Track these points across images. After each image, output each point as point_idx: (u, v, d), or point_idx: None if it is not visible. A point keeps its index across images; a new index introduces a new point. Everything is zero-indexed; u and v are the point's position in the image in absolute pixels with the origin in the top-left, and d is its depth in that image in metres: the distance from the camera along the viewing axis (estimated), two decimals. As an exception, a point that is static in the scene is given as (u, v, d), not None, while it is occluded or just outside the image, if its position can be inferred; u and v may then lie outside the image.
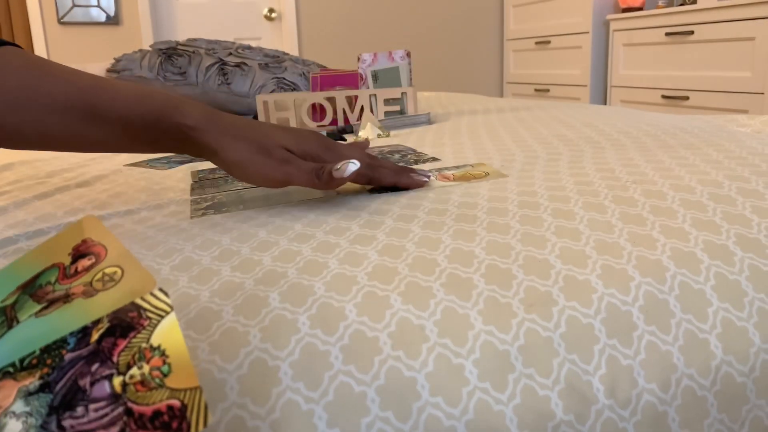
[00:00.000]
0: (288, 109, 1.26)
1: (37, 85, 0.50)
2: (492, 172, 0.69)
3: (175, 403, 0.23)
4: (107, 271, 0.28)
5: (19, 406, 0.23)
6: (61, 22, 3.23)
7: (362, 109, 1.26)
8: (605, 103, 3.34)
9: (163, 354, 0.24)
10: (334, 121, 1.29)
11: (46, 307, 0.27)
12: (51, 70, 0.52)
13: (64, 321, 0.26)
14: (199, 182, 0.75)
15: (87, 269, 0.29)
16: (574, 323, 0.39)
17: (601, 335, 0.39)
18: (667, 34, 2.78)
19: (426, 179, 0.62)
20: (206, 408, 0.23)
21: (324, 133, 1.00)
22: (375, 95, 1.27)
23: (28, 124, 0.51)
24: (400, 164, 0.69)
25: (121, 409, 0.23)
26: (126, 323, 0.25)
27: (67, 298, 0.27)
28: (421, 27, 3.85)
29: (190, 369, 0.24)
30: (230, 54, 1.57)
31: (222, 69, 1.51)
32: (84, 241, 0.31)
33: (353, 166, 0.51)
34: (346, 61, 3.77)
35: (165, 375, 0.24)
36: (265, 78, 1.53)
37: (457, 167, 0.73)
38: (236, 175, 0.53)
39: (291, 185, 0.54)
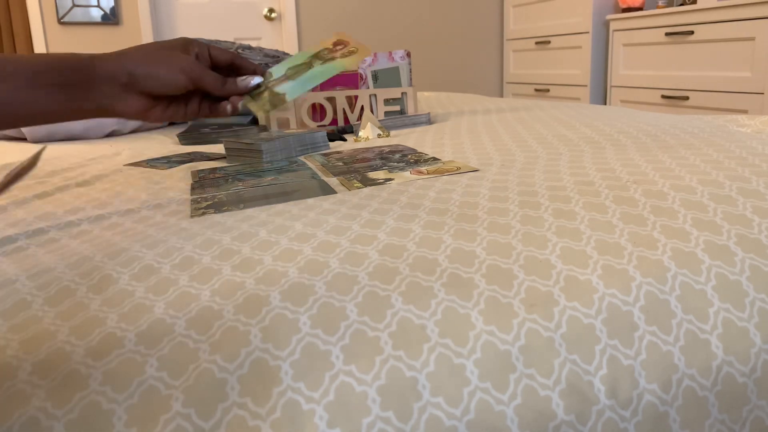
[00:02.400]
0: (288, 109, 1.26)
1: None
2: (462, 166, 0.73)
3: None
4: (351, 49, 0.67)
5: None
6: (61, 21, 3.22)
7: (362, 109, 1.26)
8: (605, 103, 3.34)
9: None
10: (334, 121, 1.29)
11: (324, 62, 0.65)
12: None
13: (335, 66, 0.64)
14: (199, 182, 0.75)
15: (342, 47, 0.67)
16: (575, 323, 0.39)
17: (602, 335, 0.39)
18: (667, 34, 2.78)
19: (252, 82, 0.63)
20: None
21: (324, 133, 1.00)
22: (375, 95, 1.27)
23: None
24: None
25: None
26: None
27: (334, 59, 0.66)
28: (421, 27, 3.85)
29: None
30: (230, 54, 1.57)
31: (222, 69, 1.51)
32: (339, 39, 0.69)
33: (258, 79, 0.62)
34: (346, 61, 3.77)
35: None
36: (265, 78, 1.52)
37: (426, 161, 0.78)
38: (159, 77, 0.55)
39: (199, 85, 0.58)
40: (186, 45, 0.59)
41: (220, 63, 0.62)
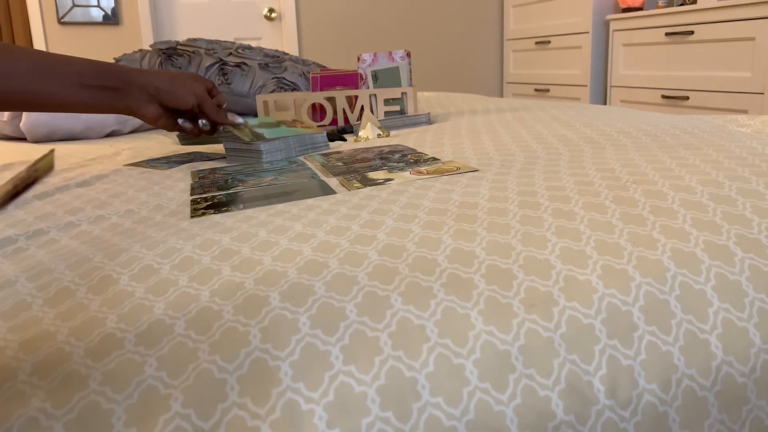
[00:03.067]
0: (288, 109, 1.26)
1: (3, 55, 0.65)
2: (462, 166, 0.73)
3: None
4: (306, 125, 1.00)
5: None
6: (61, 21, 3.23)
7: (362, 109, 1.26)
8: (605, 103, 3.34)
9: None
10: (334, 121, 1.29)
11: (288, 126, 0.96)
12: (12, 46, 0.67)
13: (298, 130, 0.95)
14: (199, 182, 0.75)
15: (300, 124, 0.99)
16: (575, 323, 0.39)
17: (602, 335, 0.39)
18: (667, 34, 2.78)
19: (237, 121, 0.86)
20: None
21: (324, 133, 1.00)
22: (375, 95, 1.27)
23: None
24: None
25: None
26: None
27: (296, 127, 0.96)
28: (421, 27, 3.85)
29: None
30: (230, 54, 1.57)
31: (222, 69, 1.51)
32: (295, 120, 1.01)
33: (240, 119, 0.85)
34: (346, 61, 3.77)
35: None
36: (265, 78, 1.53)
37: (425, 161, 0.77)
38: (176, 95, 0.75)
39: (201, 108, 0.79)
40: (199, 78, 0.81)
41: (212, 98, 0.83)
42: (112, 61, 1.76)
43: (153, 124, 0.76)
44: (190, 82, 0.76)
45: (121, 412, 0.33)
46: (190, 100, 0.75)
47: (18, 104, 0.66)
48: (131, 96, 0.71)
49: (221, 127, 0.84)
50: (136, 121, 1.49)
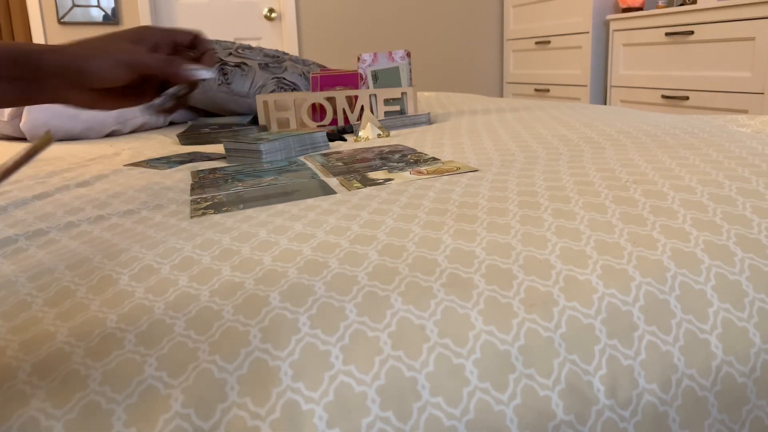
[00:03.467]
0: (288, 109, 1.26)
1: None
2: (462, 166, 0.73)
3: None
4: None
5: None
6: (61, 22, 3.23)
7: (362, 109, 1.26)
8: (605, 103, 3.34)
9: None
10: (334, 121, 1.29)
11: None
12: None
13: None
14: (199, 182, 0.75)
15: None
16: (575, 323, 0.39)
17: (602, 335, 0.39)
18: (667, 34, 2.78)
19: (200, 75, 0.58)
20: None
21: (324, 133, 1.00)
22: (375, 95, 1.27)
23: None
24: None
25: None
26: None
27: None
28: (421, 27, 3.85)
29: None
30: (230, 54, 1.57)
31: (222, 69, 1.51)
32: None
33: (206, 73, 0.56)
34: (346, 61, 3.77)
35: None
36: (265, 78, 1.53)
37: (425, 161, 0.77)
38: (93, 73, 0.53)
39: (144, 71, 0.54)
40: (139, 34, 0.57)
41: (183, 45, 0.60)
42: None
43: (97, 109, 0.58)
44: (111, 48, 0.55)
45: (122, 412, 0.33)
46: (116, 74, 0.53)
47: None
48: (47, 85, 0.55)
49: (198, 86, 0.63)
50: (136, 121, 1.49)
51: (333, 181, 0.71)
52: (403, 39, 3.86)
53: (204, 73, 0.56)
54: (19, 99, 0.55)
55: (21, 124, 1.30)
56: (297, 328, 0.37)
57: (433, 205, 0.56)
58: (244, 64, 1.53)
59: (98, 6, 3.30)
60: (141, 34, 0.57)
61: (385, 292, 0.40)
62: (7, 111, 1.36)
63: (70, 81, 0.54)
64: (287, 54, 1.68)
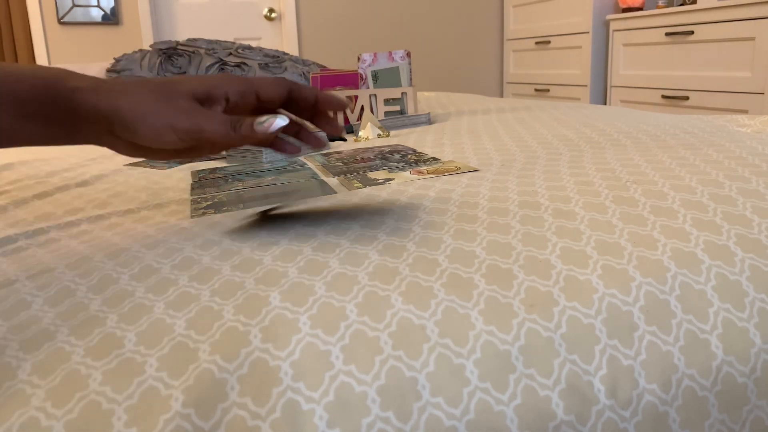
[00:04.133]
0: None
1: None
2: (462, 166, 0.73)
3: None
4: None
5: None
6: (61, 22, 3.23)
7: (362, 109, 1.26)
8: (605, 103, 3.34)
9: None
10: (334, 121, 1.28)
11: None
12: None
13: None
14: (199, 182, 0.75)
15: None
16: (575, 323, 0.39)
17: (602, 335, 0.39)
18: (667, 34, 2.78)
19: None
20: None
21: (324, 133, 1.00)
22: (375, 95, 1.27)
23: None
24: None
25: None
26: None
27: None
28: (421, 27, 3.85)
29: None
30: (230, 54, 1.57)
31: (222, 69, 1.51)
32: None
33: (281, 121, 0.44)
34: (346, 61, 3.77)
35: None
36: (265, 78, 1.53)
37: (426, 161, 0.77)
38: (139, 133, 0.43)
39: (202, 138, 0.44)
40: (208, 89, 0.46)
41: (276, 101, 0.49)
42: (113, 61, 1.75)
43: (144, 158, 0.48)
44: (170, 110, 0.44)
45: (122, 412, 0.33)
46: (166, 138, 0.43)
47: None
48: (84, 131, 0.45)
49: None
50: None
51: (333, 181, 0.71)
52: (403, 39, 3.86)
53: (278, 122, 0.44)
54: (52, 140, 0.46)
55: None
56: (297, 328, 0.37)
57: (434, 205, 0.56)
58: (244, 64, 1.53)
59: (98, 6, 3.30)
60: (211, 88, 0.46)
61: (386, 292, 0.40)
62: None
63: (111, 133, 0.45)
64: (287, 54, 1.68)
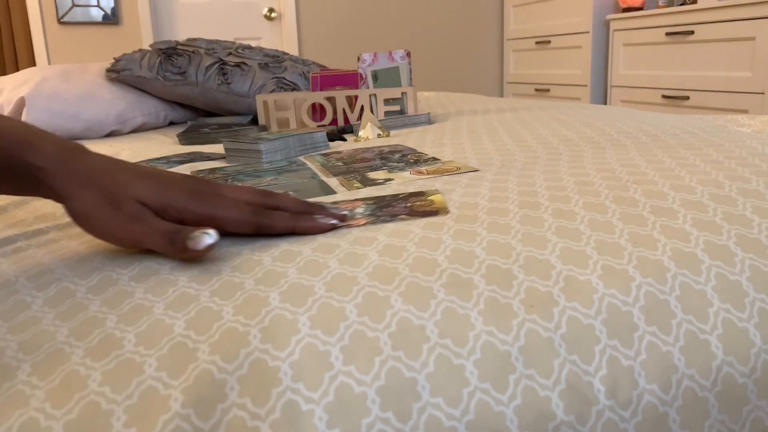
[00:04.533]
0: (288, 109, 1.26)
1: None
2: (462, 166, 0.73)
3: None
4: None
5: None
6: (60, 21, 3.23)
7: (362, 109, 1.26)
8: (605, 103, 3.34)
9: None
10: (334, 121, 1.29)
11: None
12: None
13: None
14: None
15: None
16: (575, 324, 0.39)
17: (602, 336, 0.39)
18: (667, 34, 2.78)
19: (333, 222, 0.50)
20: None
21: (324, 133, 1.00)
22: (375, 95, 1.27)
23: None
24: (312, 200, 0.56)
25: None
26: None
27: None
28: (421, 27, 3.85)
29: None
30: (230, 54, 1.57)
31: (222, 69, 1.51)
32: None
33: (208, 238, 0.43)
34: (346, 61, 3.77)
35: None
36: (265, 78, 1.53)
37: (426, 161, 0.77)
38: (84, 228, 0.46)
39: (142, 247, 0.46)
40: (163, 203, 0.46)
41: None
42: (112, 61, 1.75)
43: None
44: (113, 217, 0.45)
45: (121, 413, 0.33)
46: (109, 241, 0.46)
47: None
48: (48, 196, 0.47)
49: None
50: (136, 121, 1.49)
51: (333, 181, 0.71)
52: (403, 39, 3.86)
53: (206, 240, 0.43)
54: (17, 193, 0.48)
55: (21, 124, 1.30)
56: (297, 329, 0.37)
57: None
58: (244, 63, 1.53)
59: (98, 6, 3.30)
60: (163, 195, 0.46)
61: (385, 292, 0.40)
62: (7, 110, 1.36)
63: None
64: (287, 54, 1.68)
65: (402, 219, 0.52)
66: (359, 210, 0.56)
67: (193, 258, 0.45)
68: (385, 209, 0.56)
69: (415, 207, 0.56)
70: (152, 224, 0.45)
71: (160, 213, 0.46)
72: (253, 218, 0.47)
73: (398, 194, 0.61)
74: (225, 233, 0.49)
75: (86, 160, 0.46)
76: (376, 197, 0.60)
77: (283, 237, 0.49)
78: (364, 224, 0.51)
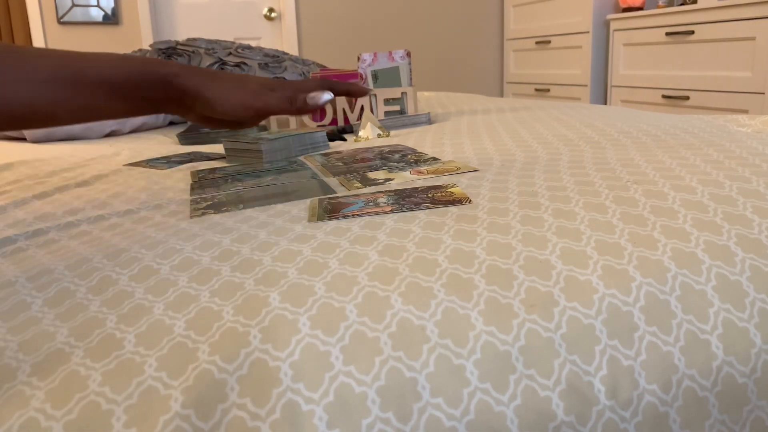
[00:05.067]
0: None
1: (20, 62, 0.51)
2: (462, 166, 0.73)
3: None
4: None
5: None
6: (60, 21, 3.22)
7: (362, 108, 1.26)
8: (605, 103, 3.34)
9: None
10: (334, 121, 1.29)
11: None
12: (31, 49, 0.54)
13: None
14: (199, 182, 0.75)
15: None
16: (575, 324, 0.39)
17: (602, 336, 0.39)
18: (667, 33, 2.78)
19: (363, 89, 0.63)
20: None
21: (324, 133, 1.00)
22: (375, 95, 1.27)
23: (14, 100, 0.51)
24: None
25: None
26: None
27: None
28: (421, 27, 3.85)
29: None
30: (230, 54, 1.57)
31: (222, 69, 1.51)
32: None
33: (327, 95, 0.58)
34: (346, 61, 3.77)
35: None
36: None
37: (426, 161, 0.77)
38: (218, 110, 0.56)
39: (269, 113, 0.57)
40: (272, 83, 0.59)
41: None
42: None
43: (202, 125, 0.62)
44: (245, 92, 0.57)
45: (121, 413, 0.33)
46: (243, 115, 0.56)
47: (33, 119, 0.53)
48: (168, 107, 0.57)
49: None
50: (135, 121, 1.49)
51: (333, 181, 0.71)
52: (403, 39, 3.86)
53: (325, 96, 0.58)
54: (134, 114, 0.56)
55: (21, 124, 1.30)
56: (297, 329, 0.37)
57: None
58: (244, 63, 1.53)
59: (98, 6, 3.30)
60: (274, 83, 0.59)
61: (385, 292, 0.40)
62: (7, 111, 1.36)
63: (192, 107, 0.57)
64: (287, 54, 1.68)
65: (427, 207, 0.55)
66: (382, 200, 0.59)
67: (309, 112, 0.58)
68: (407, 199, 0.58)
69: (437, 197, 0.58)
70: (273, 94, 0.58)
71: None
72: (301, 105, 0.60)
73: (417, 187, 0.63)
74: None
75: (207, 68, 0.58)
76: (396, 190, 0.63)
77: (283, 236, 0.49)
78: (390, 211, 0.54)
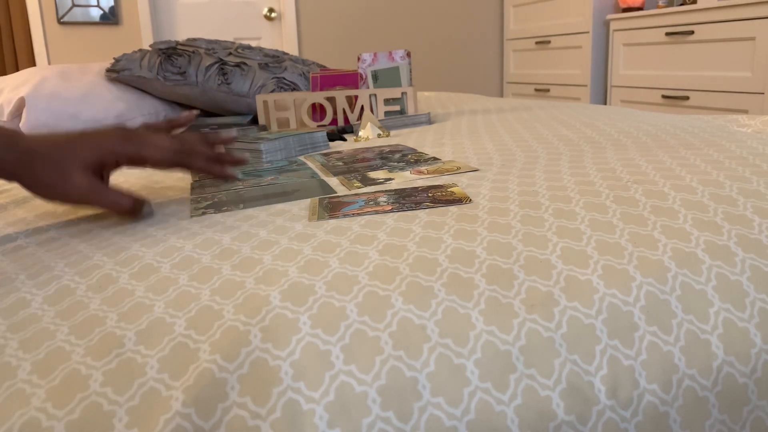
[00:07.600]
0: (288, 109, 1.26)
1: None
2: (462, 166, 0.73)
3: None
4: None
5: None
6: (60, 21, 3.22)
7: (362, 108, 1.26)
8: (605, 103, 3.34)
9: None
10: (334, 121, 1.29)
11: None
12: None
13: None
14: (199, 181, 0.75)
15: None
16: (576, 323, 0.39)
17: (603, 336, 0.39)
18: (667, 34, 2.78)
19: (236, 174, 0.61)
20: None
21: (324, 133, 1.00)
22: (375, 95, 1.27)
23: None
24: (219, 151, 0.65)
25: None
26: None
27: None
28: (421, 27, 3.85)
29: None
30: (230, 54, 1.57)
31: (222, 69, 1.51)
32: None
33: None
34: (346, 61, 3.77)
35: None
36: (265, 78, 1.52)
37: (426, 161, 0.77)
38: (40, 199, 0.54)
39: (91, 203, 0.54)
40: (103, 159, 0.55)
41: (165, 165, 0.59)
42: (112, 61, 1.75)
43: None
44: (65, 184, 0.52)
45: (123, 414, 0.33)
46: (65, 203, 0.54)
47: None
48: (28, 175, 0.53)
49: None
50: (136, 121, 1.49)
51: (333, 181, 0.71)
52: (403, 39, 3.86)
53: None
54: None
55: (21, 124, 1.30)
56: (297, 328, 0.37)
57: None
58: (244, 63, 1.53)
59: (98, 6, 3.30)
60: (103, 156, 0.55)
61: (386, 291, 0.40)
62: (7, 111, 1.36)
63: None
64: (287, 54, 1.68)
65: (427, 206, 0.55)
66: (382, 199, 0.59)
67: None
68: (407, 198, 0.58)
69: (437, 196, 0.58)
70: (100, 192, 0.54)
71: (100, 162, 0.55)
72: (173, 157, 0.58)
73: (417, 187, 0.63)
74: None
75: (27, 143, 0.54)
76: (396, 189, 0.63)
77: (284, 234, 0.49)
78: (390, 210, 0.54)
